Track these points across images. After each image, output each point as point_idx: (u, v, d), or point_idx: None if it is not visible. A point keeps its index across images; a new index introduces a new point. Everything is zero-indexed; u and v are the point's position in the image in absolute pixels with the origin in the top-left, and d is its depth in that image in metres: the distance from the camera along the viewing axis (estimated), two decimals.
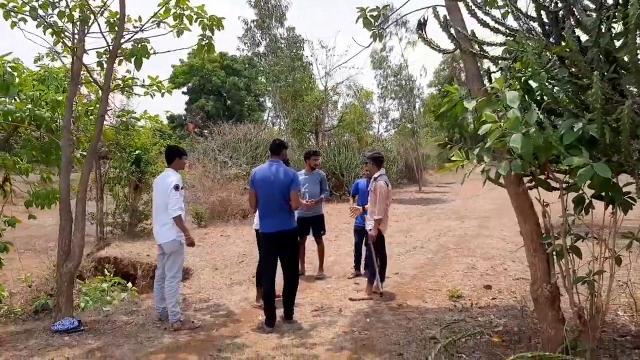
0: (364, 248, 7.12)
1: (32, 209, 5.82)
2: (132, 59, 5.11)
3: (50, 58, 6.56)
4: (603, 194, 3.17)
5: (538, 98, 3.26)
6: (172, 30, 5.38)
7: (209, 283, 6.77)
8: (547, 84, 3.04)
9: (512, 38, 3.43)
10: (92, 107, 6.26)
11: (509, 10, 3.58)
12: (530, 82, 3.16)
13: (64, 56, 5.85)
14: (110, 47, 5.08)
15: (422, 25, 4.13)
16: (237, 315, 5.33)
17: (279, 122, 36.06)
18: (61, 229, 5.00)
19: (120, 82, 5.72)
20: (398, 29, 20.69)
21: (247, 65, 39.27)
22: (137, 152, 10.67)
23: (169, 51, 5.70)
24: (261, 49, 21.80)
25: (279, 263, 4.96)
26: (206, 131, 35.26)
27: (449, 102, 3.32)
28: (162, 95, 6.39)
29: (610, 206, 3.27)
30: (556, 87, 3.08)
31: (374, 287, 5.93)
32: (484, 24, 3.39)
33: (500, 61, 3.58)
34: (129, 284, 6.38)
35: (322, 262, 7.05)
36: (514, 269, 6.98)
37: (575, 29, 3.30)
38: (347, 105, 22.24)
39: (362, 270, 7.02)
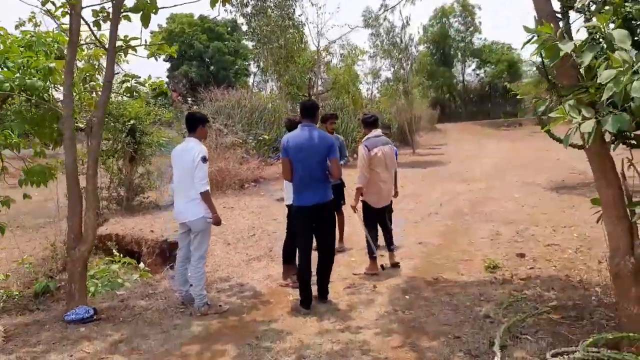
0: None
1: (25, 187, 5.31)
2: (139, 15, 4.51)
3: (32, 24, 5.93)
4: None
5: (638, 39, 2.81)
6: None
7: (225, 260, 6.38)
8: None
9: None
10: (90, 73, 5.64)
11: None
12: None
13: (53, 16, 5.20)
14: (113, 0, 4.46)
15: None
16: (265, 296, 4.97)
17: (265, 86, 35.19)
18: (71, 209, 4.51)
19: (122, 42, 5.10)
20: None
21: (228, 29, 37.92)
22: (131, 121, 10.02)
23: (176, 5, 5.08)
24: (249, 10, 20.71)
25: None
26: (190, 99, 34.25)
27: (541, 45, 2.81)
28: (168, 57, 5.86)
29: None
30: None
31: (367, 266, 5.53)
32: None
33: None
34: (141, 264, 5.95)
35: (342, 234, 6.69)
36: (540, 234, 6.71)
37: None
38: (340, 66, 21.44)
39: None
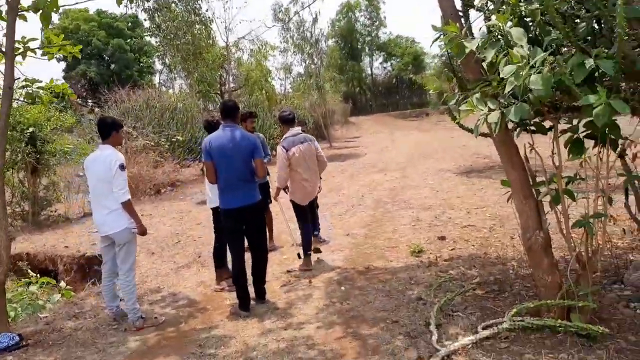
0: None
1: None
2: (38, 14, 4.19)
3: None
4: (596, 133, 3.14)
5: (532, 35, 3.12)
6: None
7: (152, 270, 6.15)
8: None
9: None
10: None
11: None
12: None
13: None
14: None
15: None
16: (200, 303, 4.88)
17: (173, 84, 33.92)
18: None
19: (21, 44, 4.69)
20: None
21: (129, 24, 36.02)
22: (30, 129, 9.24)
23: (78, 2, 4.77)
24: (150, 4, 19.80)
25: None
26: (90, 101, 32.14)
27: (449, 42, 3.04)
28: (70, 58, 5.50)
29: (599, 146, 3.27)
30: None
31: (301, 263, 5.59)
32: None
33: None
34: (62, 283, 5.56)
35: (271, 233, 6.69)
36: (457, 217, 7.20)
37: None
38: (251, 62, 21.23)
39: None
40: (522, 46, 2.75)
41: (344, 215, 8.27)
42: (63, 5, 4.53)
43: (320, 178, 6.09)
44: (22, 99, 5.49)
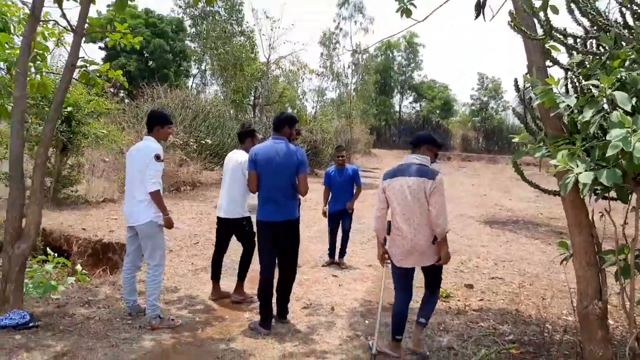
0: (339, 235, 6.79)
1: None
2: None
3: None
4: None
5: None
6: None
7: (169, 268, 5.96)
8: None
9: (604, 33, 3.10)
10: (42, 52, 5.13)
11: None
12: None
13: None
14: None
15: (480, 5, 3.77)
16: (217, 312, 4.69)
17: (205, 89, 34.37)
18: (11, 198, 4.01)
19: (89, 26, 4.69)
20: (355, 14, 20.35)
21: (173, 26, 36.71)
22: (68, 108, 9.25)
23: None
24: (196, 12, 20.32)
25: None
26: (122, 92, 32.60)
27: (544, 94, 2.92)
28: (128, 47, 5.51)
29: None
30: None
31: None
32: (584, 13, 3.06)
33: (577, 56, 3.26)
34: (78, 266, 5.41)
35: None
36: (484, 267, 6.97)
37: None
38: (287, 81, 21.49)
39: (337, 259, 6.69)
40: (626, 112, 2.61)
41: (366, 244, 8.09)
42: None
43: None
44: (78, 79, 5.43)
